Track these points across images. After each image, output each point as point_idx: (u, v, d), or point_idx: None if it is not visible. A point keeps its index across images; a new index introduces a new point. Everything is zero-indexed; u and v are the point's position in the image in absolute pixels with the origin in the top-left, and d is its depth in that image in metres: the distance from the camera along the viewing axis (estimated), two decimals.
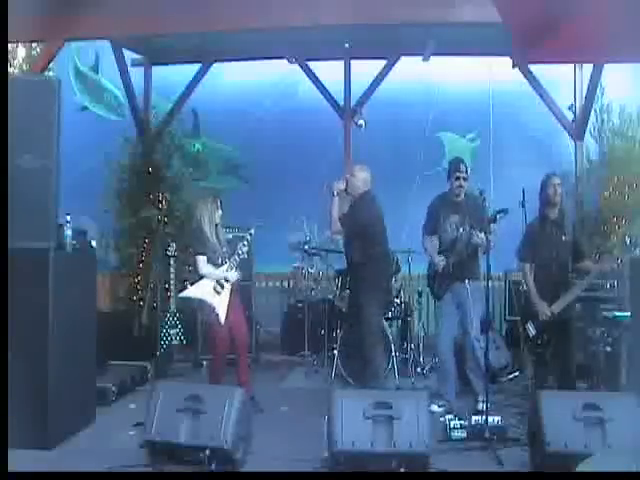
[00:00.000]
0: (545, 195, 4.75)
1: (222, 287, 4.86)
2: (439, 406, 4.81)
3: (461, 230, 4.85)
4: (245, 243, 4.94)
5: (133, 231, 7.11)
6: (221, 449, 3.57)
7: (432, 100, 7.59)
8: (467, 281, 4.83)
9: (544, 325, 4.69)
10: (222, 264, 4.91)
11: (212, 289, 4.84)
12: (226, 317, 4.81)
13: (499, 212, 4.55)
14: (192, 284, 4.98)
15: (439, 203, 5.11)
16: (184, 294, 5.01)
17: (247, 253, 5.04)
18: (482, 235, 4.59)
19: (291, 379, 6.19)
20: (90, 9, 5.28)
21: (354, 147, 7.53)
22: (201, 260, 4.91)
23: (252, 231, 4.99)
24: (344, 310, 6.00)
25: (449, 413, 4.51)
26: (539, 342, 4.73)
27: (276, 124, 7.95)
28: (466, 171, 4.90)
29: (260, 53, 7.34)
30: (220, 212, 5.01)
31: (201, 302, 4.86)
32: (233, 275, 4.90)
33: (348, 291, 6.17)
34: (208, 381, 5.04)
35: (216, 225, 4.99)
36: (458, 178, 4.86)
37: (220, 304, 4.82)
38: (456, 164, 4.96)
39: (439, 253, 5.00)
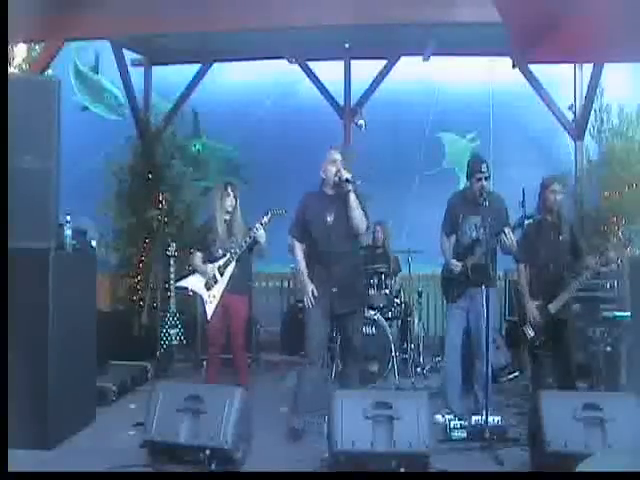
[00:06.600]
0: (543, 200, 4.73)
1: (215, 282, 4.85)
2: (444, 416, 4.43)
3: (482, 232, 4.52)
4: (255, 230, 4.69)
5: (133, 231, 7.12)
6: (221, 449, 3.57)
7: (432, 100, 7.60)
8: (483, 286, 4.52)
9: (542, 326, 4.68)
10: (223, 256, 4.85)
11: (203, 283, 4.86)
12: (222, 315, 4.82)
13: (528, 218, 4.51)
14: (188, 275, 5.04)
15: (458, 201, 4.84)
16: (178, 283, 5.10)
17: (260, 241, 4.75)
18: (512, 236, 4.41)
19: (291, 379, 6.18)
20: (90, 9, 5.28)
21: (354, 147, 7.54)
22: (197, 257, 4.96)
23: (265, 219, 4.65)
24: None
25: (449, 413, 4.50)
26: (537, 343, 4.72)
27: (276, 124, 7.96)
28: (487, 170, 4.61)
29: (260, 53, 7.36)
30: (232, 199, 4.91)
31: (193, 294, 4.94)
32: (221, 273, 4.83)
33: None
34: (205, 381, 5.04)
35: (228, 212, 4.92)
36: (480, 179, 4.58)
37: (210, 298, 4.81)
38: (478, 164, 4.65)
39: (456, 255, 4.75)
